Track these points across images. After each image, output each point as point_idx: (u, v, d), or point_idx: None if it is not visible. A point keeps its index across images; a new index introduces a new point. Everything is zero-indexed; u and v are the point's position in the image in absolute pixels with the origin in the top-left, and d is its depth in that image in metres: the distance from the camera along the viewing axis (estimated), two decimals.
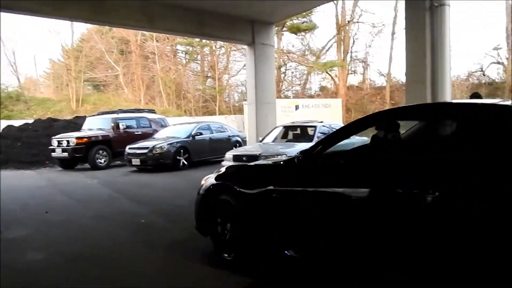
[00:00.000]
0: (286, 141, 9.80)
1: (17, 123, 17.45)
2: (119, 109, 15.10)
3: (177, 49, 36.71)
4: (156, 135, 13.05)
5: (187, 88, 32.62)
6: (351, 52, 31.68)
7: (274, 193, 3.27)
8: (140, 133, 14.02)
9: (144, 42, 33.39)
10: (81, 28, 36.18)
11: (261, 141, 10.10)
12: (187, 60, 36.61)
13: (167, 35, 32.22)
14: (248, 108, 12.84)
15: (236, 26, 11.87)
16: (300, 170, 3.22)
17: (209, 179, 4.04)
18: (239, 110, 29.72)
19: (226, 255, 3.72)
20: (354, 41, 31.68)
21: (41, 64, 47.52)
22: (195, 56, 36.39)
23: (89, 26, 34.67)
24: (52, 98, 30.48)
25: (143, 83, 31.15)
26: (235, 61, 36.18)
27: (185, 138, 12.18)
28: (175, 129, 13.26)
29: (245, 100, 30.06)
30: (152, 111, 15.90)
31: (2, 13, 10.55)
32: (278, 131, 10.35)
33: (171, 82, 29.41)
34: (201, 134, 12.71)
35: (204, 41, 34.66)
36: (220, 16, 11.33)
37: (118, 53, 32.72)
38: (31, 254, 4.26)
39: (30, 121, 17.96)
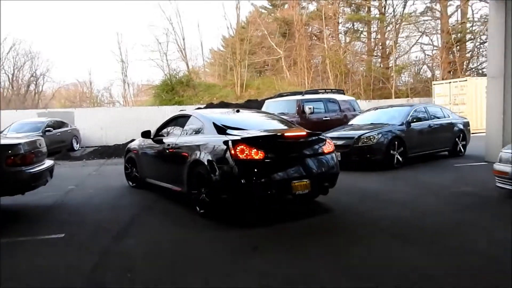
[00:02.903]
0: None
1: (188, 108, 16.64)
2: (304, 90, 12.73)
3: (339, 28, 33.59)
4: (354, 122, 10.21)
5: (354, 69, 29.29)
6: None
7: (145, 151, 7.05)
8: (328, 118, 11.41)
9: (307, 22, 31.10)
10: (242, 16, 35.69)
11: None
12: (349, 38, 33.18)
13: (334, 12, 29.38)
14: (489, 84, 9.10)
15: None
16: (147, 142, 6.93)
17: (128, 146, 8.07)
18: (419, 93, 25.24)
19: (130, 183, 7.59)
20: None
21: (205, 53, 49.38)
22: (359, 33, 32.74)
23: (250, 10, 33.94)
24: (217, 84, 30.41)
25: (308, 64, 28.78)
26: (408, 36, 31.46)
27: (398, 125, 9.04)
28: (378, 114, 10.19)
29: (433, 80, 25.52)
30: (340, 91, 13.08)
31: None
32: None
33: (340, 62, 26.26)
34: (419, 120, 9.43)
35: (374, 14, 30.83)
36: None
37: (280, 36, 31.11)
38: None
39: (202, 106, 17.06)
